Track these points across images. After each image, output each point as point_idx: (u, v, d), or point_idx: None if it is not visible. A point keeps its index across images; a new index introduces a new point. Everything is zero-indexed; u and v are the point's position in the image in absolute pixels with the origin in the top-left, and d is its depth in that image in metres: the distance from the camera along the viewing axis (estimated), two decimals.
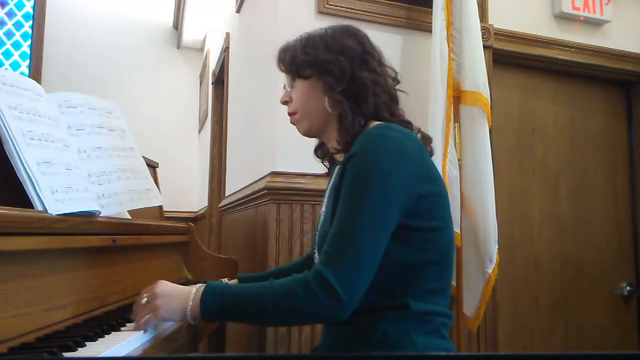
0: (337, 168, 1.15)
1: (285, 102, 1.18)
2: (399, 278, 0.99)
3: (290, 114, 1.18)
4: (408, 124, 1.12)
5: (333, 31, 1.13)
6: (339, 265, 0.92)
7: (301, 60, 1.11)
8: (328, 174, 1.28)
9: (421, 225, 0.99)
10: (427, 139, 1.13)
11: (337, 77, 1.07)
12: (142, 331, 0.96)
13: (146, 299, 0.99)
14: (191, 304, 0.96)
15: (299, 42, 1.14)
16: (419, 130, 1.14)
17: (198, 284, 1.00)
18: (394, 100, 1.13)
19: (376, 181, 0.95)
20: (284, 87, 1.20)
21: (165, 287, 1.00)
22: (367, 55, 1.11)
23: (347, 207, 0.96)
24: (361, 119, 1.07)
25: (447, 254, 1.05)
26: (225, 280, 1.31)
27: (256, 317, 0.99)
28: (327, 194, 1.18)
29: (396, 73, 1.17)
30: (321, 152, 1.27)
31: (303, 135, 1.19)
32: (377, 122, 1.06)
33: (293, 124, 1.19)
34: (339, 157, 1.16)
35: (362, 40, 1.12)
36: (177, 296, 0.98)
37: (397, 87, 1.17)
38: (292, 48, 1.14)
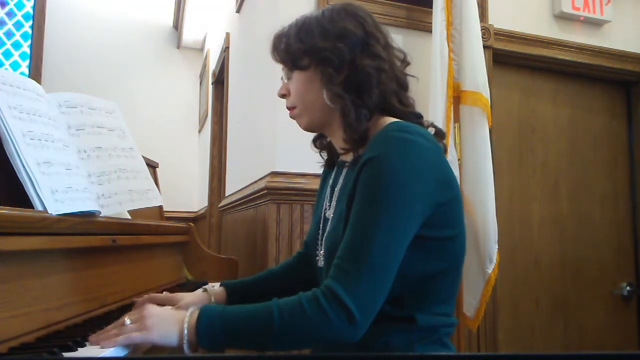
0: (344, 170, 1.07)
1: (283, 95, 1.08)
2: (412, 288, 0.93)
3: (289, 108, 1.08)
4: (419, 118, 1.03)
5: (331, 13, 1.02)
6: (353, 283, 0.83)
7: (296, 49, 1.01)
8: (328, 166, 1.18)
9: (439, 235, 0.93)
10: (440, 135, 1.03)
11: (336, 66, 0.97)
12: (107, 347, 0.81)
13: (130, 320, 0.86)
14: (186, 328, 0.85)
15: (293, 27, 1.03)
16: (432, 124, 1.04)
17: (191, 308, 0.88)
18: (403, 87, 1.03)
19: (395, 190, 0.86)
20: (282, 79, 1.09)
21: (155, 309, 0.89)
22: (369, 38, 0.99)
23: (362, 218, 0.87)
24: (366, 112, 0.97)
25: (461, 262, 0.99)
26: (211, 283, 1.21)
27: (260, 342, 0.87)
28: (335, 196, 1.08)
29: (405, 54, 1.06)
30: (320, 143, 1.17)
31: (304, 130, 1.11)
32: (392, 120, 0.97)
33: (292, 118, 1.10)
34: (346, 158, 1.07)
35: (363, 22, 1.00)
36: (170, 319, 0.87)
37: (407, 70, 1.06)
38: (286, 35, 1.03)
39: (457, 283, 1.01)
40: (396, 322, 0.93)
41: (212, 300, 1.13)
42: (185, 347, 0.85)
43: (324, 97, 1.00)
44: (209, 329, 0.85)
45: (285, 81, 1.08)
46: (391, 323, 0.93)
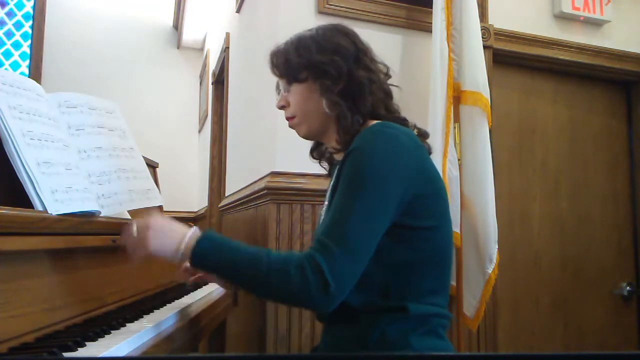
0: (336, 168, 1.14)
1: (282, 107, 1.17)
2: (397, 278, 0.99)
3: (288, 118, 1.17)
4: (404, 121, 1.12)
5: (324, 31, 1.12)
6: (331, 255, 0.91)
7: (295, 63, 1.10)
8: (329, 175, 1.27)
9: (418, 225, 0.99)
10: (423, 135, 1.13)
11: (334, 77, 1.07)
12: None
13: (136, 228, 0.98)
14: (184, 245, 0.95)
15: (290, 44, 1.13)
16: (415, 126, 1.14)
17: (194, 227, 0.99)
18: (388, 96, 1.14)
19: (373, 175, 0.95)
20: (277, 89, 1.18)
21: (158, 220, 0.99)
22: (360, 53, 1.10)
23: (342, 200, 0.96)
24: (359, 118, 1.06)
25: (445, 254, 1.05)
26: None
27: (244, 283, 0.99)
28: (327, 196, 1.18)
29: (387, 68, 1.17)
30: (317, 153, 1.26)
31: (303, 138, 1.19)
32: (376, 121, 1.06)
33: (292, 127, 1.17)
34: (338, 157, 1.15)
35: (353, 39, 1.12)
36: (170, 232, 0.98)
37: (389, 81, 1.17)
38: (284, 51, 1.13)
39: (444, 276, 1.06)
40: (389, 312, 0.99)
41: None
42: (176, 259, 0.96)
43: (322, 106, 1.09)
44: (204, 254, 0.95)
45: (284, 93, 1.16)
46: (385, 314, 0.99)
